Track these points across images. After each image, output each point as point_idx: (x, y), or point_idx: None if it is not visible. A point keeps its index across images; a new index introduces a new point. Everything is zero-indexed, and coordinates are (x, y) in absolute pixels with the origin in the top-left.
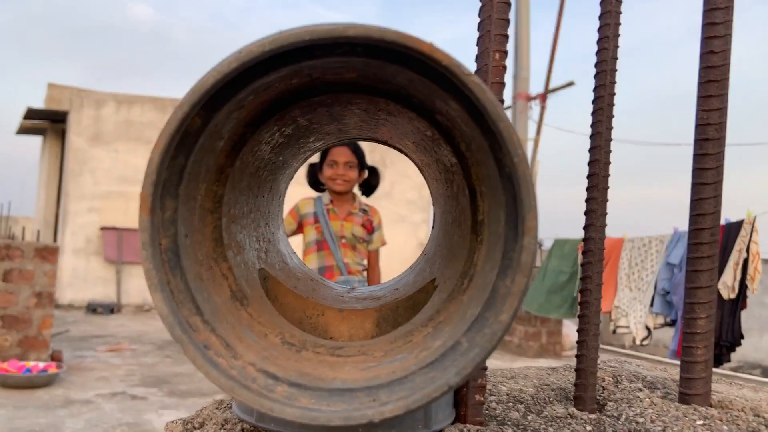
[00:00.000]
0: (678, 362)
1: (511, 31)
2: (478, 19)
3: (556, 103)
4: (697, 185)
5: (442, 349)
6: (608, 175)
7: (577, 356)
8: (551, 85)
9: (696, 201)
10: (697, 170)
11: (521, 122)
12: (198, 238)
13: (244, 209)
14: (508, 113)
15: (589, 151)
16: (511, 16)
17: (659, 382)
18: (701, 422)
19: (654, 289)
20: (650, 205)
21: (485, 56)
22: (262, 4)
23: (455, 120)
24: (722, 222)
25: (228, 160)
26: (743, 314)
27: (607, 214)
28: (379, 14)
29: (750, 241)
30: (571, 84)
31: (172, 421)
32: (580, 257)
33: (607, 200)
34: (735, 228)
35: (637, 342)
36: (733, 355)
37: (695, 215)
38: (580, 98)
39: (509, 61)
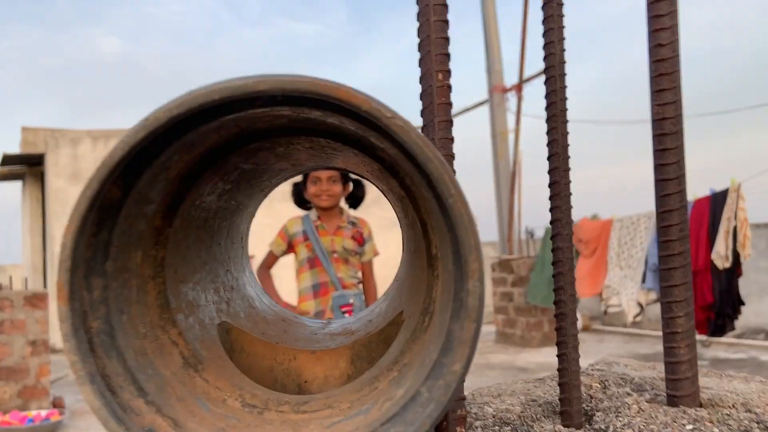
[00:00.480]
0: None
1: (479, 25)
2: (417, 40)
3: (532, 91)
4: (660, 181)
5: (404, 400)
6: (568, 157)
7: (558, 370)
8: (525, 75)
9: (661, 197)
10: (659, 166)
11: (499, 115)
12: (138, 311)
13: (196, 263)
14: (485, 108)
15: (547, 133)
16: (477, 9)
17: (647, 383)
18: (690, 426)
19: (645, 266)
20: (637, 183)
21: (428, 77)
22: (228, 23)
23: (394, 158)
24: (708, 192)
25: (165, 221)
26: (740, 281)
27: (571, 194)
28: (348, 21)
29: (737, 208)
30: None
31: None
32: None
33: (569, 181)
34: (721, 197)
35: (629, 318)
36: (736, 323)
37: (662, 212)
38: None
39: (480, 55)
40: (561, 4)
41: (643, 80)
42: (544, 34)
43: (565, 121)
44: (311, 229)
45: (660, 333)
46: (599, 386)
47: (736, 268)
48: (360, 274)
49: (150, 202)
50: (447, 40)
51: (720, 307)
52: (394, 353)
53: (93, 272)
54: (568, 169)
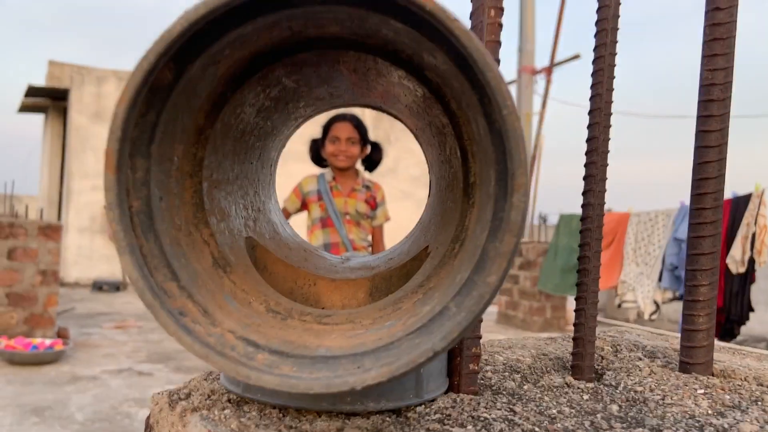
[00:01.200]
0: None
1: (515, 4)
2: None
3: (561, 76)
4: (700, 148)
5: (430, 314)
6: (608, 138)
7: (574, 324)
8: (557, 59)
9: (699, 165)
10: (701, 132)
11: (526, 96)
12: (175, 202)
13: (229, 175)
14: (513, 87)
15: (589, 113)
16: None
17: (660, 351)
18: (702, 391)
19: (662, 264)
20: (655, 179)
21: (479, 12)
22: None
23: (445, 75)
24: (730, 196)
25: (207, 121)
26: (752, 288)
27: (606, 179)
28: None
29: (758, 214)
30: (577, 57)
31: (159, 393)
32: None
33: (606, 164)
34: (743, 201)
35: (645, 316)
36: (741, 329)
37: (698, 179)
38: (586, 71)
39: (513, 34)
40: (618, 4)
41: (666, 78)
42: (597, 24)
43: (609, 114)
44: (326, 189)
45: (663, 332)
46: (611, 349)
47: (749, 274)
48: (370, 238)
49: (197, 95)
50: (498, 43)
51: (729, 312)
52: (419, 279)
53: (138, 152)
54: (605, 165)
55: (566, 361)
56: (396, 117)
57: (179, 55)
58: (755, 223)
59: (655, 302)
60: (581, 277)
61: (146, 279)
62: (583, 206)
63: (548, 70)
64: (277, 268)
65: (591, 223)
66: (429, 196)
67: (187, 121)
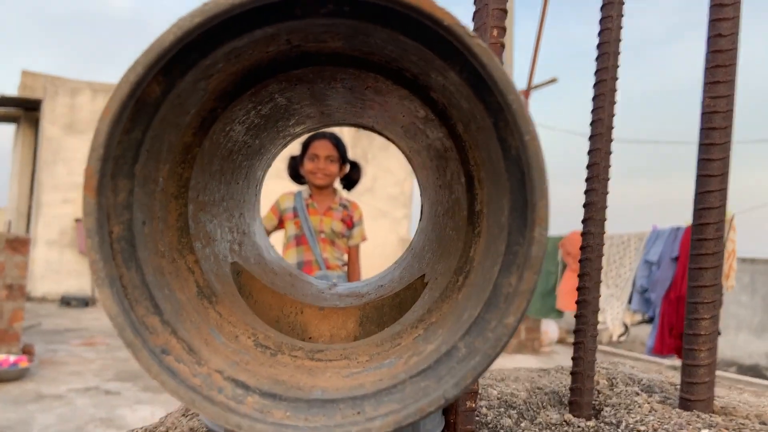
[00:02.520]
0: (656, 359)
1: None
2: None
3: (538, 99)
4: (702, 177)
5: (436, 354)
6: (609, 165)
7: (573, 358)
8: (534, 82)
9: (701, 194)
10: (703, 161)
11: None
12: (159, 227)
13: (216, 196)
14: None
15: (590, 139)
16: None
17: (656, 385)
18: (706, 430)
19: (632, 287)
20: (628, 203)
21: (482, 32)
22: None
23: (453, 96)
24: None
25: (196, 139)
26: (720, 312)
27: (607, 207)
28: None
29: (727, 239)
30: (553, 81)
31: (133, 430)
32: (559, 254)
33: (607, 192)
34: None
35: (614, 338)
36: None
37: (700, 209)
38: (562, 95)
39: None
40: (621, 18)
41: (630, 104)
42: (599, 47)
43: (610, 140)
44: (302, 207)
45: (636, 354)
46: (607, 383)
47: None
48: (345, 257)
49: (185, 111)
50: (503, 45)
51: None
52: (418, 312)
53: (121, 172)
54: (606, 192)
55: (562, 396)
56: (387, 138)
57: (169, 68)
58: (724, 248)
59: (624, 324)
60: (580, 308)
61: (127, 314)
62: (583, 234)
63: (526, 93)
64: (263, 296)
65: (591, 253)
66: (420, 220)
67: (174, 138)
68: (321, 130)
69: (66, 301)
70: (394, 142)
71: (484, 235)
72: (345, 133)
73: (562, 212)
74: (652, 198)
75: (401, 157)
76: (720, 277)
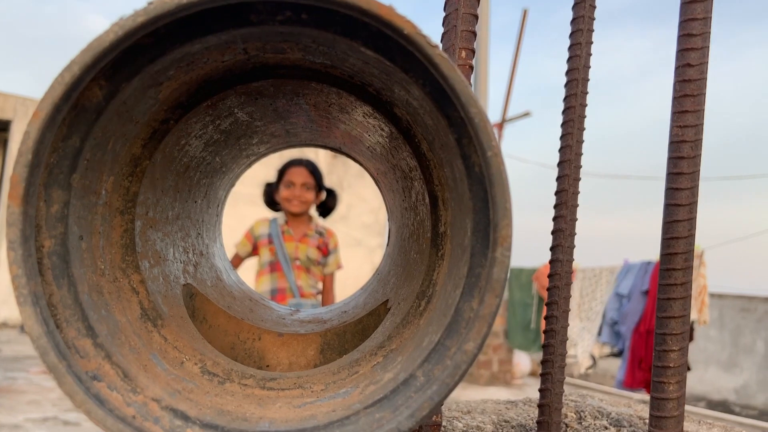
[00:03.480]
0: (626, 393)
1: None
2: (443, 13)
3: (512, 132)
4: (669, 206)
5: (394, 383)
6: (578, 192)
7: (540, 390)
8: (508, 115)
9: (668, 223)
10: (671, 190)
11: None
12: (99, 243)
13: (169, 214)
14: None
15: (558, 165)
16: (472, 61)
17: (625, 419)
18: None
19: (602, 319)
20: (598, 237)
21: (450, 54)
22: None
23: (417, 112)
24: None
25: (145, 151)
26: (690, 347)
27: (575, 234)
28: None
29: (698, 274)
30: (527, 114)
31: None
32: (534, 287)
33: (575, 219)
34: None
35: (581, 370)
36: None
37: (668, 238)
38: (535, 128)
39: None
40: (590, 45)
41: (622, 140)
42: (567, 73)
43: (579, 166)
44: (277, 233)
45: (605, 388)
46: (575, 416)
47: (689, 333)
48: (320, 285)
49: (133, 120)
50: (476, 17)
51: None
52: (378, 339)
53: (55, 182)
54: (575, 219)
55: (529, 429)
56: (355, 160)
57: (113, 71)
58: (694, 283)
59: (592, 356)
60: (548, 338)
61: (51, 336)
62: (551, 262)
63: (499, 126)
64: (219, 320)
65: (559, 281)
66: (387, 245)
67: (120, 149)
68: (297, 157)
69: None
70: (361, 164)
71: (447, 257)
72: (321, 159)
73: (535, 244)
74: (623, 232)
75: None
76: (689, 308)
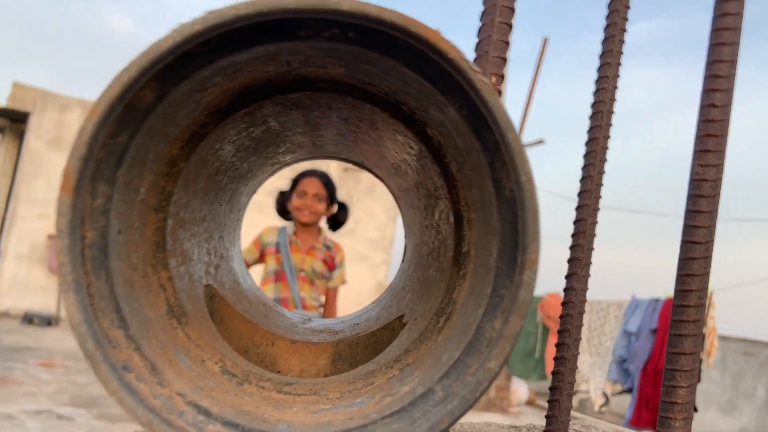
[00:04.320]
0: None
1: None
2: (476, 39)
3: None
4: (686, 243)
5: (411, 396)
6: (596, 222)
7: (547, 417)
8: (522, 141)
9: (684, 260)
10: (688, 227)
11: None
12: (134, 238)
13: (197, 215)
14: None
15: (578, 195)
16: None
17: None
18: None
19: (612, 356)
20: (606, 271)
21: None
22: None
23: (450, 133)
24: None
25: (183, 153)
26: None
27: (591, 263)
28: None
29: (707, 315)
30: (541, 142)
31: None
32: (539, 316)
33: (592, 248)
34: None
35: (595, 408)
36: None
37: (683, 275)
38: (548, 157)
39: None
40: (615, 88)
41: (634, 174)
42: (593, 106)
43: (599, 197)
44: (285, 243)
45: (617, 427)
46: None
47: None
48: (323, 299)
49: (176, 123)
50: (507, 44)
51: None
52: (395, 352)
53: (102, 176)
54: (591, 249)
55: None
56: (376, 175)
57: (164, 75)
58: (704, 324)
59: (605, 394)
60: (558, 365)
61: (90, 324)
62: (565, 290)
63: None
64: (235, 323)
65: (572, 309)
66: (403, 261)
67: (162, 149)
68: (312, 168)
69: (28, 318)
70: (382, 180)
71: (469, 277)
72: (332, 173)
73: (542, 273)
74: (629, 267)
75: (386, 202)
76: (700, 346)
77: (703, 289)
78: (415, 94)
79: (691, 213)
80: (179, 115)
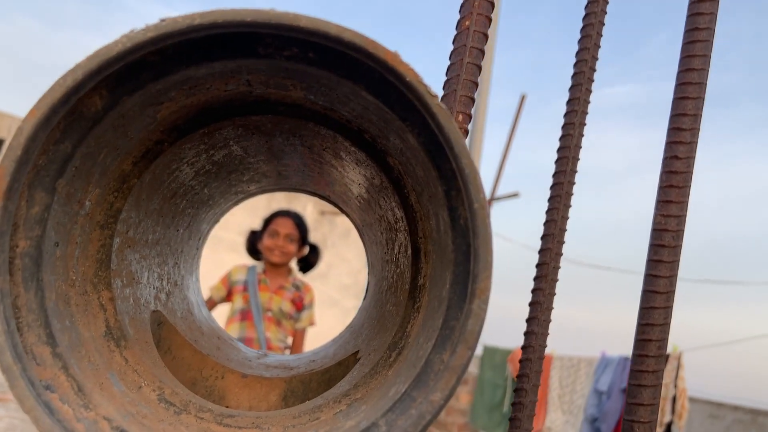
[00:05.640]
0: None
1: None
2: (444, 77)
3: (499, 212)
4: (647, 292)
5: (354, 430)
6: (558, 267)
7: None
8: (497, 194)
9: (645, 309)
10: (649, 277)
11: None
12: (74, 253)
13: (149, 237)
14: None
15: (541, 238)
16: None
17: None
18: None
19: (583, 414)
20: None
21: None
22: None
23: (410, 162)
24: None
25: (135, 169)
26: None
27: (553, 308)
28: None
29: (677, 376)
30: (515, 195)
31: None
32: (509, 369)
33: (554, 293)
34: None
35: None
36: None
37: (643, 324)
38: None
39: None
40: (581, 135)
41: (598, 230)
42: (558, 151)
43: (562, 242)
44: (253, 281)
45: None
46: None
47: None
48: (290, 340)
49: (127, 136)
50: (476, 84)
51: None
52: (344, 387)
53: (40, 184)
54: (553, 293)
55: None
56: (342, 210)
57: (115, 82)
58: (674, 386)
59: None
60: (515, 411)
61: (10, 335)
62: (525, 334)
63: (489, 202)
64: (183, 353)
65: (532, 353)
66: (365, 298)
67: (111, 163)
68: (285, 209)
69: None
70: (347, 214)
71: (423, 309)
72: (308, 216)
73: (513, 325)
74: (599, 323)
75: (360, 248)
76: (659, 397)
77: (663, 339)
78: (375, 120)
79: (652, 262)
80: (131, 128)
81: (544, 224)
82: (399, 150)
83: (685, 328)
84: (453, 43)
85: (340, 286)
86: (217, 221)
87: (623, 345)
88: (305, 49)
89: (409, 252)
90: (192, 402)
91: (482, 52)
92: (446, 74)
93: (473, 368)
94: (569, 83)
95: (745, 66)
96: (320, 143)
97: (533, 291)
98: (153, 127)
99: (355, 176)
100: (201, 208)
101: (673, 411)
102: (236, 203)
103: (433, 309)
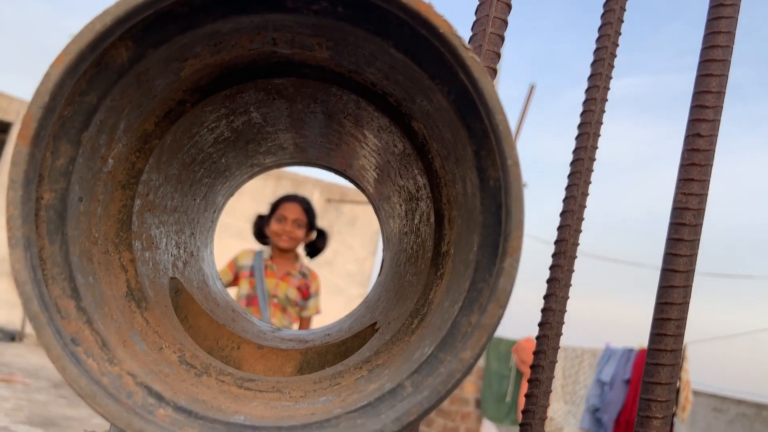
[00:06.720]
0: None
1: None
2: (470, 33)
3: None
4: (667, 271)
5: (379, 392)
6: (572, 270)
7: None
8: None
9: (664, 288)
10: (669, 255)
11: None
12: (97, 210)
13: (168, 203)
14: None
15: (555, 243)
16: None
17: None
18: None
19: (585, 404)
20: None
21: None
22: None
23: (436, 125)
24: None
25: (157, 130)
26: None
27: (566, 311)
28: None
29: (681, 369)
30: (524, 185)
31: None
32: (513, 359)
33: (567, 297)
34: None
35: None
36: None
37: (661, 303)
38: (529, 201)
39: None
40: (597, 135)
41: (607, 223)
42: (574, 153)
43: (576, 244)
44: (260, 267)
45: None
46: None
47: (670, 429)
48: (295, 327)
49: (151, 93)
50: (502, 39)
51: None
52: (364, 354)
53: (65, 135)
54: (566, 298)
55: None
56: (358, 185)
57: (141, 33)
58: (679, 378)
59: None
60: (528, 404)
61: (37, 284)
62: (538, 338)
63: None
64: (200, 322)
65: (544, 359)
66: (379, 275)
67: (134, 120)
68: (293, 194)
69: None
70: (363, 190)
71: (447, 275)
72: (315, 203)
73: (517, 317)
74: (604, 315)
75: (365, 236)
76: (676, 377)
77: (683, 319)
78: (402, 81)
79: (672, 241)
80: (155, 84)
81: (561, 214)
82: (425, 112)
83: (689, 320)
84: (475, 13)
85: (345, 273)
86: (231, 194)
87: (629, 337)
88: (335, 3)
89: (432, 220)
90: (212, 365)
91: (505, 23)
92: (472, 29)
93: (479, 359)
94: (577, 74)
95: (755, 59)
96: (342, 108)
97: (545, 297)
98: (176, 85)
99: (375, 145)
100: (217, 179)
101: (676, 403)
102: (251, 176)
103: (458, 273)
